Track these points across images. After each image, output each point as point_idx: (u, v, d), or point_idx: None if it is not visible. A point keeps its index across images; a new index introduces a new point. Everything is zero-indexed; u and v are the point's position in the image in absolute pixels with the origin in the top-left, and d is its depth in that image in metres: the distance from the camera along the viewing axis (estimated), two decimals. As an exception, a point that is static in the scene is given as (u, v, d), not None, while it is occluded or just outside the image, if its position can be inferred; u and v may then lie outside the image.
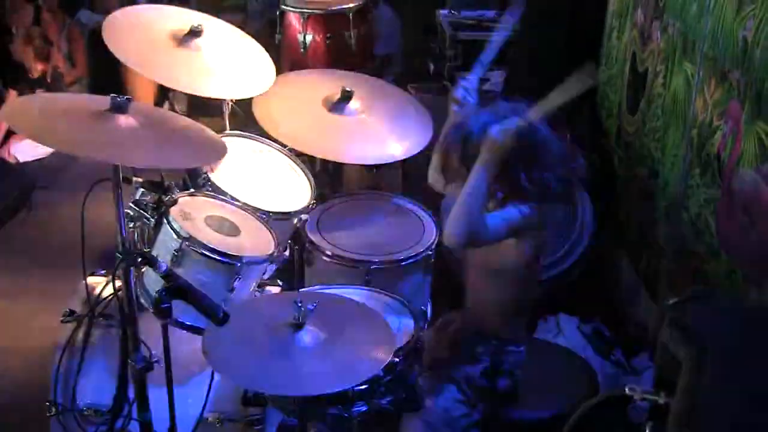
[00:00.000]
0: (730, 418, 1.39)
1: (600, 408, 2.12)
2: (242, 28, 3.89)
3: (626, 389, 1.67)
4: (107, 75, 6.32)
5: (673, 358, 1.48)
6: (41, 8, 6.94)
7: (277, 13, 5.25)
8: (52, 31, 7.04)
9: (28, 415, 3.58)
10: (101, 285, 3.20)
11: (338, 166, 4.58)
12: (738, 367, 1.46)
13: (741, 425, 1.39)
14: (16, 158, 6.48)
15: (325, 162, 4.30)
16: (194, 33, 3.47)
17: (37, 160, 6.48)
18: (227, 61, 3.58)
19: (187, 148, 2.82)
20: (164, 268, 2.38)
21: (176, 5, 4.16)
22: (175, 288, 2.37)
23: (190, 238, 2.95)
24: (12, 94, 6.61)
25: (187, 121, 3.02)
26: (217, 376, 3.08)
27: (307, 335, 2.50)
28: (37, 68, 6.90)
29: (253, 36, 3.88)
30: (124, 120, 2.60)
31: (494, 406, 3.03)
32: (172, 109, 6.56)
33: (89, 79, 7.11)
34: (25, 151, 6.49)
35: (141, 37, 3.45)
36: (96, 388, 3.14)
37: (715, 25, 3.46)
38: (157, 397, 2.82)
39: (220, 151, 2.92)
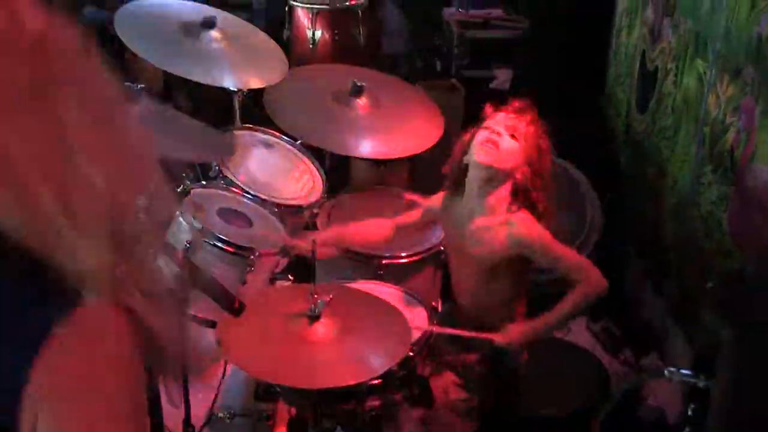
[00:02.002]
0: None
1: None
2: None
3: (665, 372, 1.65)
4: (116, 72, 6.29)
5: (712, 340, 1.46)
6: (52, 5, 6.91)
7: (286, 8, 5.23)
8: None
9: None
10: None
11: (346, 162, 4.56)
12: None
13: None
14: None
15: (333, 157, 4.28)
16: (206, 24, 3.46)
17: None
18: (239, 52, 3.56)
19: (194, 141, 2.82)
20: (180, 256, 2.36)
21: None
22: (192, 277, 2.35)
23: (202, 230, 2.94)
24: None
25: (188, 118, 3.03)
26: (227, 371, 3.07)
27: (323, 327, 2.49)
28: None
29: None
30: (135, 110, 2.59)
31: (495, 393, 3.02)
32: (177, 106, 6.54)
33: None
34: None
35: (152, 29, 3.45)
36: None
37: (729, 22, 3.45)
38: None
39: (225, 148, 2.92)
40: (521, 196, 2.81)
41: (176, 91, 6.79)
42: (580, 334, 4.13)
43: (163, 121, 2.86)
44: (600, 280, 2.78)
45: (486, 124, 2.85)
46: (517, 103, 2.87)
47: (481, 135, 2.84)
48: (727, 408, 1.36)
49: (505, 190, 2.82)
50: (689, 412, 1.64)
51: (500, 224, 2.82)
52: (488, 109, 2.91)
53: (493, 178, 2.83)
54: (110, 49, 3.36)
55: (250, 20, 7.38)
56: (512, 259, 2.84)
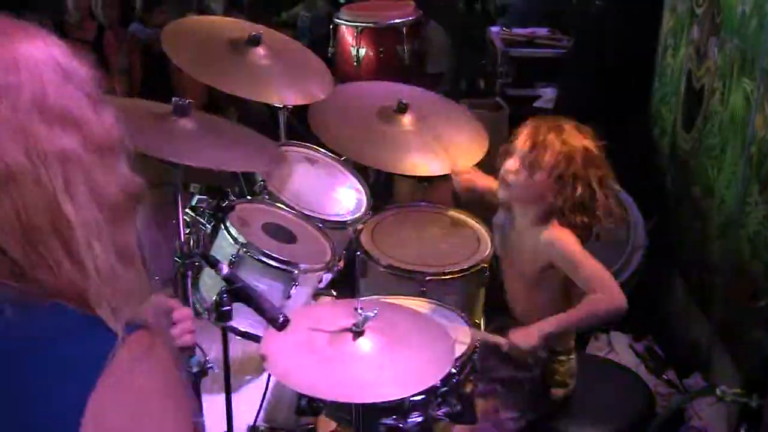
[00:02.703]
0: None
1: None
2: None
3: (717, 391, 1.63)
4: (158, 88, 6.37)
5: (763, 360, 1.44)
6: (103, 26, 7.03)
7: (330, 26, 5.27)
8: (111, 49, 7.12)
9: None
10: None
11: (389, 178, 4.58)
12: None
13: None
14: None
15: (377, 174, 4.30)
16: (252, 41, 3.48)
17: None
18: (285, 69, 3.58)
19: (244, 152, 2.83)
20: (225, 269, 2.37)
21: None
22: (236, 290, 2.36)
23: (248, 244, 2.96)
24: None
25: (243, 129, 3.04)
26: (270, 385, 3.07)
27: (367, 342, 2.49)
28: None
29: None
30: (185, 123, 2.62)
31: (545, 414, 3.00)
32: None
33: (141, 92, 7.17)
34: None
35: (198, 45, 3.48)
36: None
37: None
38: (211, 403, 2.82)
39: (276, 158, 2.93)
40: (556, 216, 2.80)
41: (222, 108, 6.86)
42: (623, 354, 4.10)
43: (215, 133, 2.89)
44: (619, 296, 2.75)
45: (511, 153, 2.86)
46: (542, 129, 2.84)
47: (502, 168, 2.87)
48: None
49: (539, 209, 2.82)
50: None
51: (535, 234, 2.83)
52: (520, 129, 2.91)
53: (523, 201, 2.86)
54: (153, 64, 3.40)
55: (295, 38, 7.50)
56: (551, 269, 2.83)
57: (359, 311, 2.48)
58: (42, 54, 1.17)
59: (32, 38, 1.18)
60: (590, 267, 2.77)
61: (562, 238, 2.79)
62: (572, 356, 3.01)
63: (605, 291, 2.74)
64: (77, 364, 1.11)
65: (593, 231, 2.88)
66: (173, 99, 2.64)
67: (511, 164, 2.86)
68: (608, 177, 2.83)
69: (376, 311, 2.49)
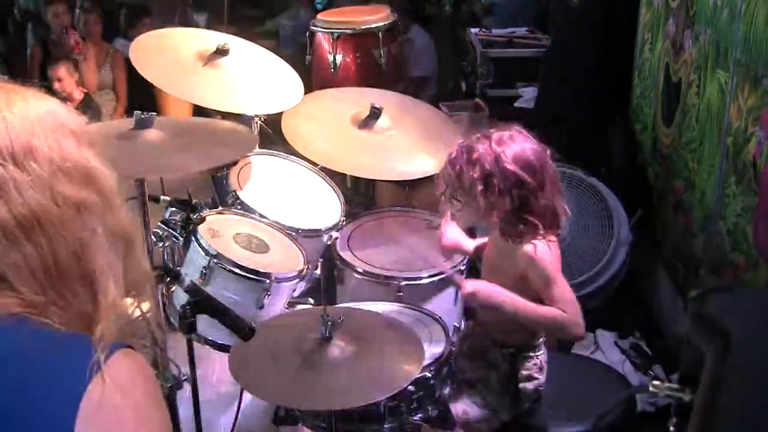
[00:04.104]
0: (755, 415, 1.34)
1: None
2: (275, 53, 3.90)
3: (650, 386, 1.61)
4: (143, 100, 6.38)
5: (699, 353, 1.43)
6: (84, 38, 7.04)
7: (307, 34, 5.25)
8: (92, 63, 7.12)
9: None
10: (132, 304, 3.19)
11: (370, 184, 4.56)
12: (764, 360, 1.40)
13: (765, 422, 1.34)
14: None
15: (356, 179, 4.28)
16: (221, 52, 3.48)
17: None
18: (254, 78, 3.58)
19: (215, 147, 2.81)
20: (188, 282, 2.36)
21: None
22: (200, 302, 2.35)
23: (218, 255, 2.95)
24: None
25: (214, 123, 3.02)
26: (247, 396, 3.05)
27: (336, 349, 2.47)
28: (76, 98, 6.97)
29: (286, 60, 3.88)
30: (149, 135, 2.60)
31: (518, 413, 2.98)
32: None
33: (127, 105, 7.19)
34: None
35: (168, 58, 3.47)
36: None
37: (747, 31, 3.41)
38: (188, 416, 2.81)
39: (250, 144, 2.90)
40: (512, 230, 2.76)
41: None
42: (609, 351, 4.08)
43: (182, 137, 2.87)
44: (580, 323, 2.73)
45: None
46: (456, 153, 2.78)
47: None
48: (705, 421, 1.32)
49: (497, 221, 2.78)
50: (671, 427, 1.60)
51: (511, 247, 2.80)
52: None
53: (480, 221, 2.88)
54: (139, 80, 3.39)
55: (277, 47, 7.50)
56: (525, 282, 2.80)
57: (326, 318, 2.47)
58: (46, 114, 1.28)
59: (30, 99, 1.29)
60: (561, 289, 2.76)
61: (541, 256, 2.76)
62: (540, 352, 2.99)
63: (570, 314, 2.72)
64: (65, 376, 1.16)
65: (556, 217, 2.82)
66: (134, 113, 2.62)
67: (448, 194, 2.83)
68: (538, 178, 2.75)
69: (342, 318, 2.48)
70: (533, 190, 2.68)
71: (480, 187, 2.67)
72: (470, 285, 2.84)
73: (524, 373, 2.95)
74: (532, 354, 2.96)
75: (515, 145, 2.70)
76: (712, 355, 1.39)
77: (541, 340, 2.98)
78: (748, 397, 1.35)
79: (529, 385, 2.96)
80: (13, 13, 8.36)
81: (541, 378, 2.99)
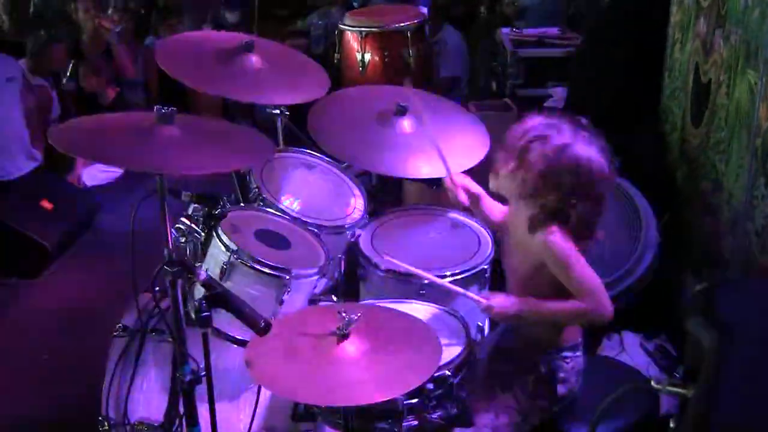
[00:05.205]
0: (754, 409, 1.31)
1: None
2: (306, 53, 3.89)
3: (652, 382, 1.59)
4: (174, 100, 6.42)
5: (701, 348, 1.41)
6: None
7: (336, 32, 5.26)
8: (126, 60, 7.19)
9: (80, 431, 3.59)
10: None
11: (397, 182, 4.55)
12: (766, 354, 1.38)
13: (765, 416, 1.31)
14: (84, 183, 6.61)
15: (382, 178, 4.27)
16: (245, 48, 3.47)
17: (104, 184, 6.62)
18: (279, 73, 3.56)
19: (234, 151, 2.80)
20: (203, 276, 2.36)
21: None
22: (215, 296, 2.35)
23: (238, 251, 2.95)
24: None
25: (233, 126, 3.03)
26: (265, 392, 3.05)
27: (351, 346, 2.47)
28: (110, 96, 7.02)
29: (316, 60, 3.87)
30: (169, 131, 2.59)
31: (548, 416, 2.95)
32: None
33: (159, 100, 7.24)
34: (94, 175, 6.63)
35: (192, 56, 3.47)
36: (147, 402, 3.14)
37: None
38: (206, 411, 2.80)
39: (266, 151, 2.91)
40: (547, 215, 2.74)
41: (234, 117, 6.90)
42: (634, 353, 4.04)
43: (202, 136, 2.86)
44: (606, 304, 2.73)
45: (505, 144, 2.82)
46: (534, 124, 2.78)
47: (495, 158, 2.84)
48: (703, 415, 1.30)
49: (533, 207, 2.76)
50: (671, 424, 1.57)
51: (530, 233, 2.78)
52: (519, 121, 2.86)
53: (514, 196, 2.81)
54: (169, 77, 3.38)
55: (308, 47, 7.52)
56: (544, 269, 2.78)
57: (343, 315, 2.46)
58: None
59: None
60: (581, 273, 2.72)
61: (556, 240, 2.73)
62: (578, 353, 2.96)
63: (593, 297, 2.70)
64: None
65: (590, 232, 2.81)
66: (155, 108, 2.62)
67: (503, 155, 2.82)
68: (589, 189, 2.74)
69: (358, 315, 2.47)
70: (581, 196, 2.69)
71: (540, 167, 2.68)
72: (487, 301, 2.83)
73: (561, 375, 2.92)
74: (570, 354, 2.93)
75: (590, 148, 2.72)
76: (713, 351, 1.36)
77: (579, 341, 2.95)
78: (748, 387, 1.33)
79: (564, 389, 2.93)
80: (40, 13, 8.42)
81: (576, 381, 2.95)
